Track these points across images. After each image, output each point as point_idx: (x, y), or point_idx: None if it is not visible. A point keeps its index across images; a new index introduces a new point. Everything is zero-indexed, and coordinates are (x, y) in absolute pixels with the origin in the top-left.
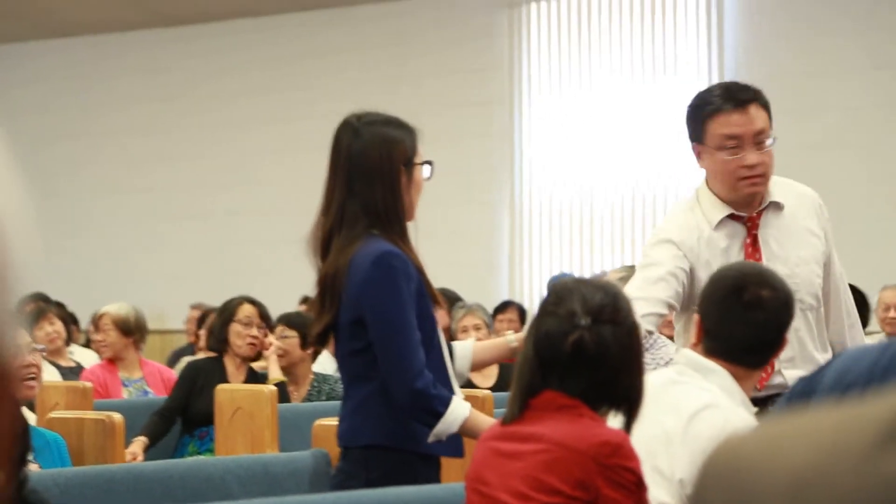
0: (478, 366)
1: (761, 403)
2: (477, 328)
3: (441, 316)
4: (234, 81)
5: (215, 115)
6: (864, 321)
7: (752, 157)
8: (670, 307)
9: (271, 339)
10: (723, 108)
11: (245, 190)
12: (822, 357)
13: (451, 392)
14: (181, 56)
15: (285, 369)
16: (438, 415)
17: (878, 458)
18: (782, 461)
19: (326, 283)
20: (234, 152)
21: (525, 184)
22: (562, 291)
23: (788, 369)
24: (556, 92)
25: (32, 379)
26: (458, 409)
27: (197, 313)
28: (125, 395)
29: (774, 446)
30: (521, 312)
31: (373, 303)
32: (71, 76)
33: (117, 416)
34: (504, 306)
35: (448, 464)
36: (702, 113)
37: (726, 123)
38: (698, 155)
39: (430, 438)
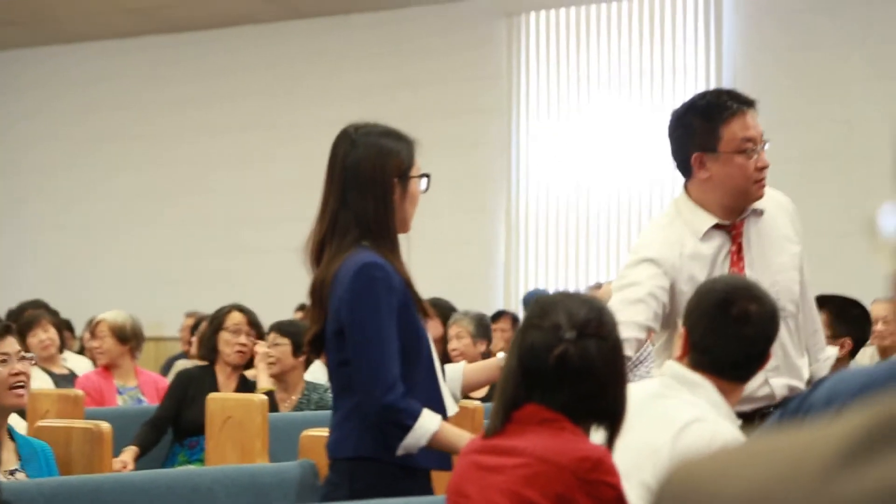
0: (469, 387)
1: (749, 417)
2: (459, 337)
3: (433, 326)
4: (234, 86)
5: (213, 119)
6: (866, 336)
7: (765, 158)
8: (649, 330)
9: (260, 346)
10: (741, 110)
11: (244, 197)
12: (802, 363)
13: (439, 405)
14: (187, 60)
15: (277, 377)
16: (406, 428)
17: (832, 479)
18: (736, 483)
19: (315, 293)
20: (232, 158)
21: (521, 193)
22: (547, 305)
23: (773, 378)
24: (553, 101)
25: (21, 387)
26: (428, 423)
27: (191, 321)
28: (119, 402)
29: (731, 467)
30: (515, 321)
31: (349, 314)
32: (75, 81)
33: (105, 425)
34: (497, 315)
35: (437, 477)
36: (719, 118)
37: (745, 126)
38: (701, 164)
39: (399, 451)
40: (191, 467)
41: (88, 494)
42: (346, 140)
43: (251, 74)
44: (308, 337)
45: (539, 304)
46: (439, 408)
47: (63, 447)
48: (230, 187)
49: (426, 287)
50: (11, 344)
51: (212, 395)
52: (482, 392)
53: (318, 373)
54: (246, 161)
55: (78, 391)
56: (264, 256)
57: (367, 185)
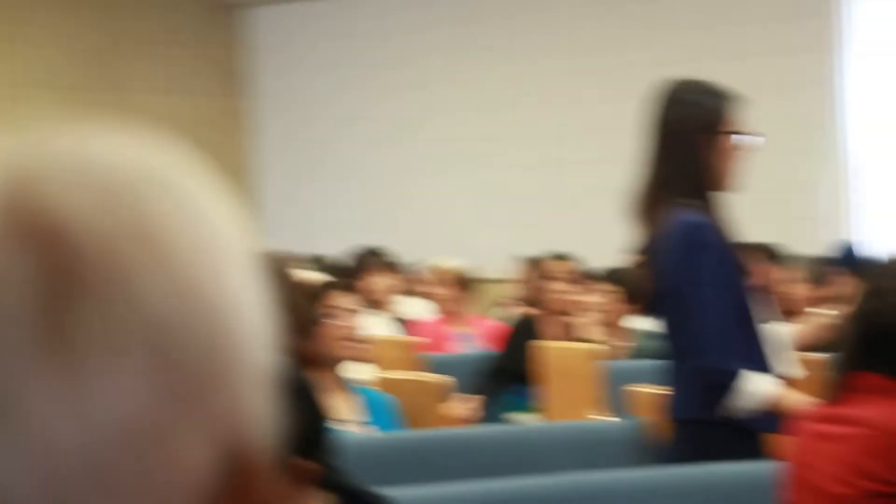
0: (801, 347)
1: None
2: (790, 282)
3: (756, 271)
4: (546, 38)
5: (526, 67)
6: None
7: None
8: None
9: (589, 295)
10: None
11: (568, 140)
12: None
13: (765, 366)
14: (491, 8)
15: (606, 326)
16: (728, 389)
17: None
18: None
19: (644, 253)
20: (545, 101)
21: (852, 133)
22: (889, 269)
23: None
24: (887, 38)
25: (352, 340)
26: (752, 385)
27: (520, 266)
28: (456, 349)
29: None
30: (849, 271)
31: (671, 275)
32: (380, 31)
33: (446, 378)
34: (835, 262)
35: (769, 439)
36: None
37: None
38: None
39: (723, 413)
40: (524, 424)
41: (432, 448)
42: (663, 95)
43: (570, 24)
44: (644, 294)
45: (881, 267)
46: (765, 368)
47: (406, 397)
48: (552, 131)
49: (755, 231)
50: (338, 298)
51: (541, 344)
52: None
53: (643, 322)
54: (561, 103)
55: (416, 338)
56: (585, 200)
57: (677, 141)
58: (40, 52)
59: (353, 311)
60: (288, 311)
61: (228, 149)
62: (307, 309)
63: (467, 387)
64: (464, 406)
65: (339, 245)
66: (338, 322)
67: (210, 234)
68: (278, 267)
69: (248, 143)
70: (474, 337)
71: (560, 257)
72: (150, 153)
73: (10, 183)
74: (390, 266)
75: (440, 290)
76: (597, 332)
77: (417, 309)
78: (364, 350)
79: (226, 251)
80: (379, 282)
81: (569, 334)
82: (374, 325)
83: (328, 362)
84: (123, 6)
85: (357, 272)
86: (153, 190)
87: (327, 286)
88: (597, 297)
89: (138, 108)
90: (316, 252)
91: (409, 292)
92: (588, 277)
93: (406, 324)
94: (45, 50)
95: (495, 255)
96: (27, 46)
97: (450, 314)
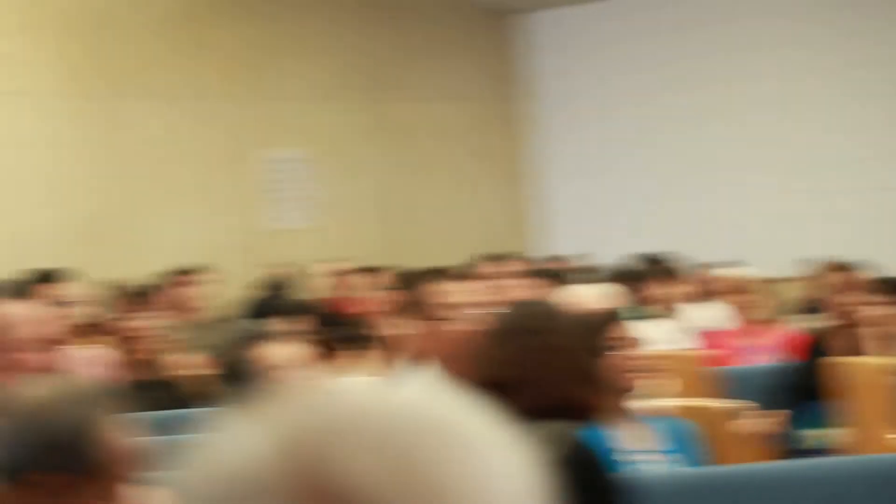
0: None
1: None
2: None
3: None
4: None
5: (803, 58)
6: None
7: None
8: None
9: (881, 306)
10: None
11: (851, 136)
12: None
13: None
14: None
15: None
16: None
17: None
18: None
19: None
20: (841, 95)
21: None
22: None
23: None
24: None
25: (639, 370)
26: None
27: (807, 269)
28: (748, 361)
29: None
30: None
31: None
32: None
33: (740, 403)
34: None
35: None
36: None
37: None
38: None
39: None
40: (822, 436)
41: (731, 485)
42: None
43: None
44: None
45: None
46: None
47: (704, 426)
48: (830, 125)
49: None
50: (624, 328)
51: (837, 358)
52: None
53: None
54: (843, 95)
55: (705, 352)
56: (867, 197)
57: None
58: (321, 67)
59: (639, 342)
60: (568, 362)
61: (506, 154)
62: (588, 354)
63: (761, 401)
64: (759, 422)
65: (622, 247)
66: (624, 353)
67: (493, 484)
68: (554, 316)
69: (526, 147)
70: (766, 348)
71: (848, 267)
72: (430, 400)
73: (297, 447)
74: (674, 272)
75: (730, 299)
76: (889, 345)
77: (705, 316)
78: (652, 374)
79: (509, 496)
80: (664, 290)
81: (864, 347)
82: (661, 337)
83: (615, 395)
84: (400, 17)
85: (641, 281)
86: (435, 443)
87: (611, 317)
88: (888, 309)
89: (417, 116)
90: (598, 254)
91: (696, 298)
92: (877, 286)
93: (694, 334)
94: (325, 64)
95: (779, 255)
96: (309, 62)
97: (740, 323)
